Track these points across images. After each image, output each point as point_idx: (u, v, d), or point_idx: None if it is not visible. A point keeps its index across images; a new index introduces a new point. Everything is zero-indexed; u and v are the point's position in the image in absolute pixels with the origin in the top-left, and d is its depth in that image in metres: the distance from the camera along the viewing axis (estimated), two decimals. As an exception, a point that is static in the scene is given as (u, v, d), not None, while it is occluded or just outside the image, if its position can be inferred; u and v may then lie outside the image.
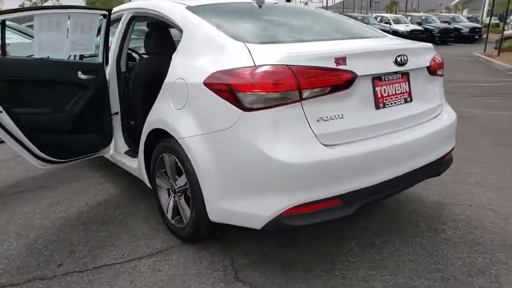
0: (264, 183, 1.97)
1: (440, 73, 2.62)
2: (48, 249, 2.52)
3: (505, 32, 15.37)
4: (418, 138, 2.28)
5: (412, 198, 3.08)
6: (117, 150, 3.34)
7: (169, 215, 2.64)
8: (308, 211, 1.98)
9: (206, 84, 2.12)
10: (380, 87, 2.19)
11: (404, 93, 2.31)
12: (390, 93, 2.23)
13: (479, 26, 24.20)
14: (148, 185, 2.86)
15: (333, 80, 1.98)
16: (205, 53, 2.26)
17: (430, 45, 2.57)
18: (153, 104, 3.07)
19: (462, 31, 22.48)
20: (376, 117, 2.17)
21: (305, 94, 1.94)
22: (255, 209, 2.03)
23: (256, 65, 1.98)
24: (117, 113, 3.29)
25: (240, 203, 2.08)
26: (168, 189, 2.64)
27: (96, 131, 3.18)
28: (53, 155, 2.92)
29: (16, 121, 2.65)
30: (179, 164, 2.38)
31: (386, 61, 2.18)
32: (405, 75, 2.31)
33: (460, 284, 2.10)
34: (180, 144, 2.29)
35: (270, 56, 2.00)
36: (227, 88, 2.02)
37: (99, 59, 3.19)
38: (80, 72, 2.97)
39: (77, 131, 3.02)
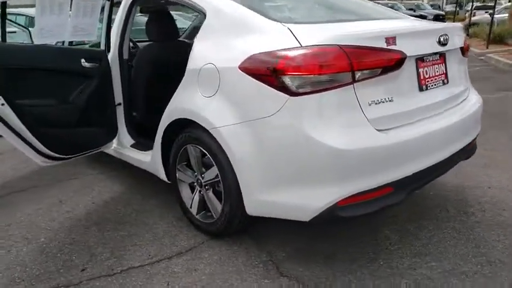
0: (314, 173, 1.85)
1: (467, 55, 2.58)
2: (65, 253, 2.31)
3: (472, 19, 15.83)
4: (457, 121, 2.22)
5: (431, 182, 3.05)
6: (121, 143, 3.13)
7: (193, 210, 2.48)
8: (361, 200, 1.88)
9: (243, 68, 1.97)
10: (422, 69, 2.11)
11: (441, 74, 2.25)
12: (431, 75, 2.16)
13: (442, 13, 24.90)
14: (165, 179, 2.68)
15: (384, 61, 1.88)
16: (238, 35, 2.10)
17: (459, 25, 2.52)
18: (157, 93, 2.92)
19: (428, 18, 23.02)
20: (421, 99, 2.09)
21: (357, 76, 1.82)
22: (303, 200, 1.91)
23: (303, 45, 1.84)
24: (120, 104, 3.07)
25: (284, 194, 1.96)
26: (192, 183, 2.47)
27: (101, 124, 2.96)
28: (58, 150, 2.68)
29: (19, 114, 2.39)
30: (208, 155, 2.23)
31: (430, 41, 2.10)
32: (442, 56, 2.25)
33: (509, 268, 2.07)
34: (210, 135, 2.14)
35: (316, 36, 1.87)
36: (269, 72, 1.87)
37: (102, 46, 2.95)
38: (83, 60, 2.73)
39: (82, 124, 2.79)
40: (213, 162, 2.21)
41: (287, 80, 1.83)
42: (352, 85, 1.83)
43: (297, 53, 1.83)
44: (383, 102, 1.91)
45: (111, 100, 2.99)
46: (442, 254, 2.19)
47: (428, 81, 2.13)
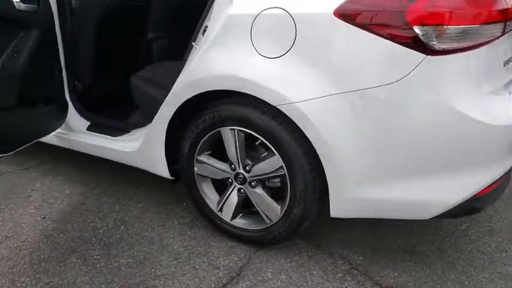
0: (457, 157, 1.38)
1: None
2: None
3: None
4: None
5: None
6: (70, 127, 2.20)
7: (226, 215, 1.82)
8: (497, 185, 1.50)
9: (342, 14, 1.35)
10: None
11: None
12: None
13: None
14: (168, 175, 1.93)
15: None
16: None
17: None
18: (114, 50, 2.26)
19: None
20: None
21: (506, 28, 1.37)
22: (429, 194, 1.44)
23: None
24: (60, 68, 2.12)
25: (398, 190, 1.46)
26: (226, 179, 1.79)
27: (48, 100, 2.00)
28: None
29: None
30: (265, 142, 1.59)
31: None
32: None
33: None
34: (274, 113, 1.50)
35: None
36: (394, 21, 1.31)
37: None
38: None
39: (22, 101, 1.82)
40: (275, 151, 1.58)
41: (424, 31, 1.29)
42: (499, 39, 1.38)
43: (436, -5, 1.29)
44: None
45: (56, 62, 2.02)
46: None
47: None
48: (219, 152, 1.79)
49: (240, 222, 1.82)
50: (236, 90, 1.55)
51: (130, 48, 2.45)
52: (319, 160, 1.51)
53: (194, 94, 1.66)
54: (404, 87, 1.34)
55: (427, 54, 1.30)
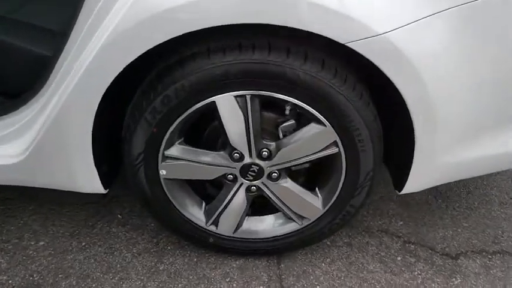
0: None
1: None
2: None
3: None
4: None
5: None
6: None
7: (225, 228, 1.14)
8: None
9: None
10: None
11: None
12: None
13: None
14: (100, 189, 1.09)
15: None
16: None
17: None
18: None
19: None
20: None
21: None
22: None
23: None
24: None
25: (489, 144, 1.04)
26: (226, 175, 1.06)
27: None
28: None
29: None
30: (307, 108, 0.93)
31: None
32: None
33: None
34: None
35: None
36: None
37: None
38: None
39: None
40: (325, 121, 0.93)
41: None
42: None
43: None
44: None
45: None
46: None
47: None
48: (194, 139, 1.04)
49: (245, 231, 1.16)
50: (273, 23, 0.80)
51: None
52: (398, 122, 0.95)
53: (163, 40, 0.83)
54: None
55: None
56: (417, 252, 1.26)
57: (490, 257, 1.24)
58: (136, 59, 0.86)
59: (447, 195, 1.49)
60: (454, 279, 1.17)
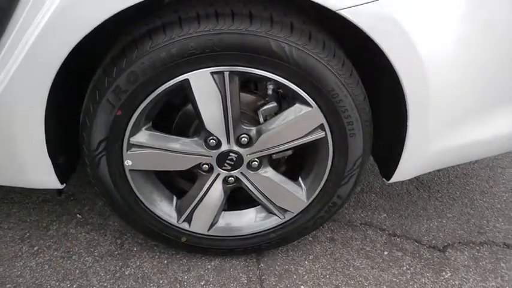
0: None
1: None
2: None
3: None
4: None
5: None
6: None
7: (198, 226, 1.02)
8: None
9: None
10: None
11: None
12: None
13: None
14: (57, 184, 0.95)
15: None
16: None
17: None
18: None
19: None
20: None
21: None
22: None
23: None
24: None
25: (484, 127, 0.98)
26: (200, 165, 0.94)
27: None
28: None
29: None
30: (293, 88, 0.83)
31: None
32: None
33: None
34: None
35: None
36: None
37: None
38: None
39: None
40: (312, 101, 0.84)
41: None
42: None
43: None
44: None
45: None
46: None
47: None
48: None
49: (221, 228, 1.05)
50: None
51: None
52: (391, 104, 0.87)
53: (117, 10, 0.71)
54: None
55: None
56: (403, 246, 1.19)
57: (477, 248, 1.19)
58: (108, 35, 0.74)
59: (428, 185, 1.44)
60: (444, 273, 1.10)
